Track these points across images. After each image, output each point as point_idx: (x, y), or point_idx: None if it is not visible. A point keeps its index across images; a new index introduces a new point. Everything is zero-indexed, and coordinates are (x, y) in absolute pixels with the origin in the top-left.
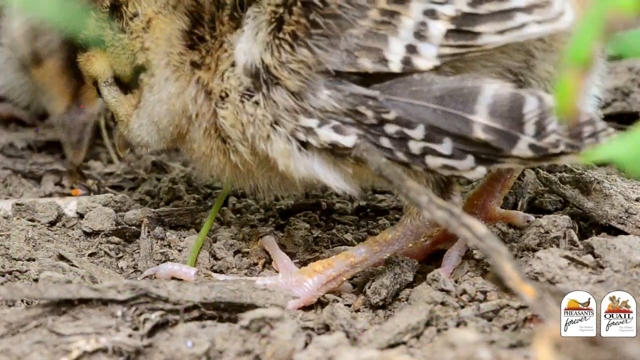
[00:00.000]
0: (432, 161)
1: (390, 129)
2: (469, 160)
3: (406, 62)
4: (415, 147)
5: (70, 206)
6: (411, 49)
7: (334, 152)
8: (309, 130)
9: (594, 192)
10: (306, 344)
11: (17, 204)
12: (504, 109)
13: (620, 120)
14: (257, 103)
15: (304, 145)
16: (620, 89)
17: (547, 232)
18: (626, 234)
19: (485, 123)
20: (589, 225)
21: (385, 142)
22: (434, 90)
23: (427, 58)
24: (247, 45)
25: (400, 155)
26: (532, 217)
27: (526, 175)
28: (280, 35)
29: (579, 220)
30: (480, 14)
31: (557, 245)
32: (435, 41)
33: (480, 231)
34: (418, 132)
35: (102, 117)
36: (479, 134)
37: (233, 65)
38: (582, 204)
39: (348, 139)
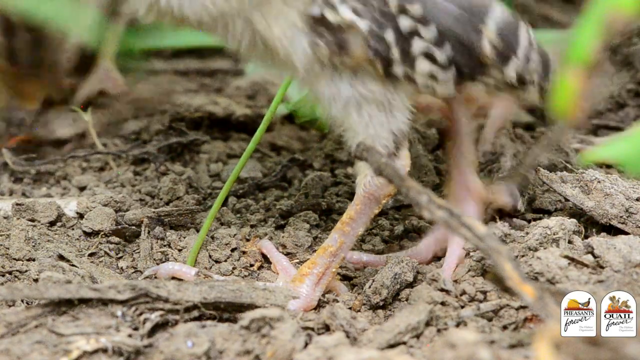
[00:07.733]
0: (422, 66)
1: (405, 22)
2: (451, 71)
3: None
4: (417, 46)
5: (70, 206)
6: None
7: (341, 35)
8: (328, 3)
9: (594, 192)
10: (306, 344)
11: (17, 204)
12: (505, 30)
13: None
14: None
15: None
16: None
17: (554, 234)
18: (627, 233)
19: (492, 38)
20: (589, 224)
21: (389, 35)
22: None
23: None
24: None
25: (395, 52)
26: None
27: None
28: None
29: (579, 220)
30: None
31: (557, 245)
32: None
33: (481, 231)
34: (429, 31)
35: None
36: (486, 47)
37: None
38: (582, 203)
39: (364, 23)
